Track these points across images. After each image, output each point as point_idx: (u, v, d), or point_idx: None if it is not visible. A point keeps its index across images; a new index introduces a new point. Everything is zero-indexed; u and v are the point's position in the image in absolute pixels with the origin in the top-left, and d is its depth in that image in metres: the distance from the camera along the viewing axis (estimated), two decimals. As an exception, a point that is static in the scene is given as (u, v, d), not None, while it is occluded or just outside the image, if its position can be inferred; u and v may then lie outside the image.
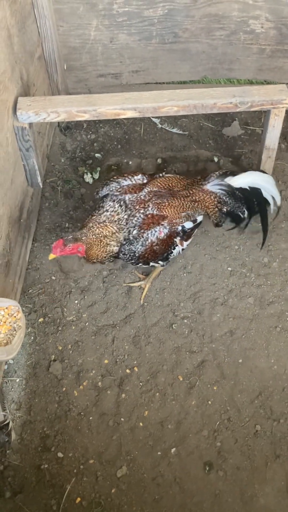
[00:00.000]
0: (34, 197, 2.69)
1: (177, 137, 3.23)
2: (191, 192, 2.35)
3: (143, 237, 2.23)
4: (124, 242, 2.24)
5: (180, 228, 2.31)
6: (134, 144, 3.19)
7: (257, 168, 2.75)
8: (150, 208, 2.25)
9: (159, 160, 3.06)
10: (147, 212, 2.24)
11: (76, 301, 2.53)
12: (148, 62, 3.16)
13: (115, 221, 2.24)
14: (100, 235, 2.22)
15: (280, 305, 2.47)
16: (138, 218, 2.22)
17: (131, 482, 2.05)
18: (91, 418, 2.20)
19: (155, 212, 2.25)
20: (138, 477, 2.06)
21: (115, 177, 2.37)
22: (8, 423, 2.13)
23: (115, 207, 2.24)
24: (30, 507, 1.99)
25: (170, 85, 3.29)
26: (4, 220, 2.16)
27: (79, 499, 2.01)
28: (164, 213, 2.26)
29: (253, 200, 2.44)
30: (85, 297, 2.54)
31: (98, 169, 3.01)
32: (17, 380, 2.29)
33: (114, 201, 2.26)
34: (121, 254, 2.27)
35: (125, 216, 2.24)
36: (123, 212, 2.24)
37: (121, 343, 2.41)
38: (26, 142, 2.33)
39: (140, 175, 2.36)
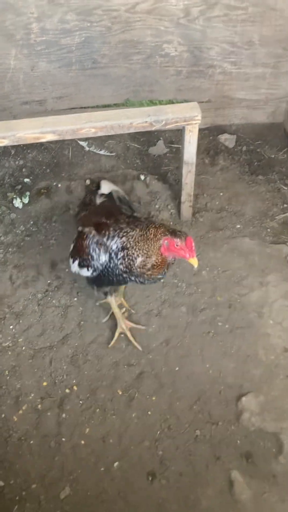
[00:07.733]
0: None
1: (105, 159, 3.31)
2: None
3: None
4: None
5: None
6: (63, 167, 3.24)
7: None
8: None
9: (87, 181, 3.13)
10: None
11: (11, 326, 2.51)
12: (71, 88, 3.25)
13: None
14: None
15: (211, 311, 2.55)
16: None
17: (75, 502, 2.03)
18: (32, 442, 2.17)
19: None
20: (82, 495, 2.04)
21: None
22: None
23: None
24: None
25: (94, 109, 3.38)
26: None
27: (22, 526, 1.97)
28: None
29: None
30: (20, 321, 2.53)
31: (28, 193, 3.04)
32: None
33: None
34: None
35: None
36: None
37: (59, 363, 2.40)
38: None
39: None
